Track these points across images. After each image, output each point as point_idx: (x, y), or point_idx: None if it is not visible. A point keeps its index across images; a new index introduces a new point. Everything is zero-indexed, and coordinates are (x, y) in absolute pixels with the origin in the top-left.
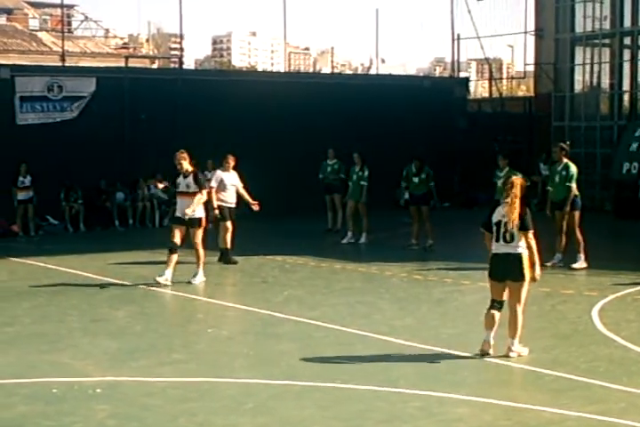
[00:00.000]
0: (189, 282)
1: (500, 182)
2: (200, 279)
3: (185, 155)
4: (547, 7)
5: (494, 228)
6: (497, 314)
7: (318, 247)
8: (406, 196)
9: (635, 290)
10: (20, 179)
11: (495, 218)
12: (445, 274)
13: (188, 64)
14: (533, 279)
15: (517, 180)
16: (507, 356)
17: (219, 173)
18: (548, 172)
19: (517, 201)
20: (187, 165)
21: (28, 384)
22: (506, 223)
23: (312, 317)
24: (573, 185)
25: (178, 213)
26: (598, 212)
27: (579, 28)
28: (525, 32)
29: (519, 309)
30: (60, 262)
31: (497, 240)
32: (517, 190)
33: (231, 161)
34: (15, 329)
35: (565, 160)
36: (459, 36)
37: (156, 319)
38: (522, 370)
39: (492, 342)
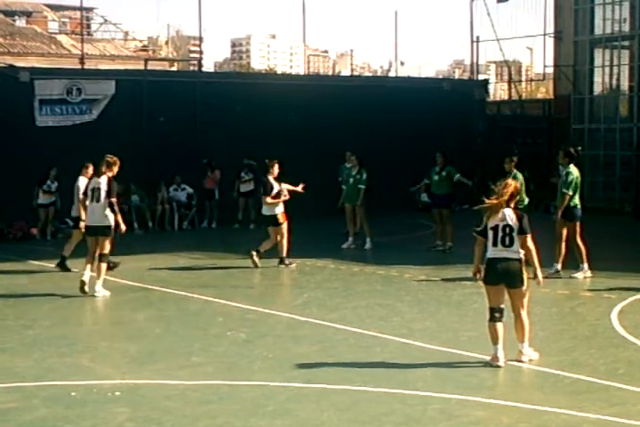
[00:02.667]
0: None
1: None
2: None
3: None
4: (566, 9)
5: (491, 233)
6: (500, 326)
7: (337, 250)
8: (424, 198)
9: None
10: (48, 183)
11: (492, 223)
12: (465, 276)
13: (208, 67)
14: (537, 283)
15: (514, 182)
16: (519, 360)
17: (83, 179)
18: None
19: (504, 198)
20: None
21: (47, 387)
22: (504, 227)
23: (331, 319)
24: (569, 192)
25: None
26: (618, 214)
27: (598, 31)
28: (544, 34)
29: (523, 313)
30: (79, 265)
31: (494, 245)
32: (509, 190)
33: (90, 169)
34: (35, 332)
35: (569, 166)
36: (478, 38)
37: (175, 322)
38: (541, 372)
39: (501, 354)
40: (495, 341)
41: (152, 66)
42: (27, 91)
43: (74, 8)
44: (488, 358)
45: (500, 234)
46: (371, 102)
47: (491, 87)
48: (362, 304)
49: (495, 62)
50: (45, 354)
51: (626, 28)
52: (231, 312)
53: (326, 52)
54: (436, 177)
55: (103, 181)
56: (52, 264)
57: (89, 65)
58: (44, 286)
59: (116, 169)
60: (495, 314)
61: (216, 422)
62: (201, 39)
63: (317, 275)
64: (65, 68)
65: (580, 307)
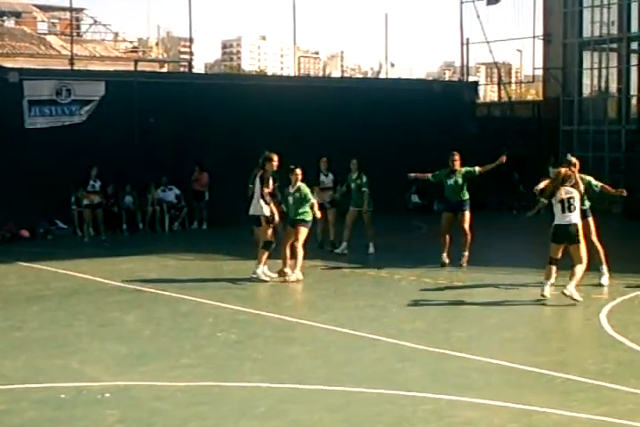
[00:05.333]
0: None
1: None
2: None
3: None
4: (555, 12)
5: (559, 205)
6: (553, 267)
7: (327, 251)
8: (414, 199)
9: None
10: (91, 182)
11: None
12: (455, 277)
13: (198, 68)
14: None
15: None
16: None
17: None
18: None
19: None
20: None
21: (36, 389)
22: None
23: (322, 320)
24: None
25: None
26: (606, 214)
27: (586, 33)
28: (534, 37)
29: (584, 261)
30: (68, 267)
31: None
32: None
33: None
34: (24, 334)
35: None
36: (468, 40)
37: (165, 323)
38: (531, 372)
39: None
40: (548, 277)
41: (142, 67)
42: (15, 92)
43: (63, 9)
44: (477, 357)
45: (566, 204)
46: (361, 104)
47: (481, 89)
48: (352, 305)
49: (485, 64)
50: (34, 356)
51: (614, 30)
52: (222, 313)
53: (317, 53)
54: (450, 182)
55: (258, 175)
56: (40, 266)
57: (78, 66)
58: (33, 288)
59: (274, 164)
60: (552, 261)
61: (206, 423)
62: (191, 40)
63: (307, 276)
64: (54, 69)
65: (570, 307)
